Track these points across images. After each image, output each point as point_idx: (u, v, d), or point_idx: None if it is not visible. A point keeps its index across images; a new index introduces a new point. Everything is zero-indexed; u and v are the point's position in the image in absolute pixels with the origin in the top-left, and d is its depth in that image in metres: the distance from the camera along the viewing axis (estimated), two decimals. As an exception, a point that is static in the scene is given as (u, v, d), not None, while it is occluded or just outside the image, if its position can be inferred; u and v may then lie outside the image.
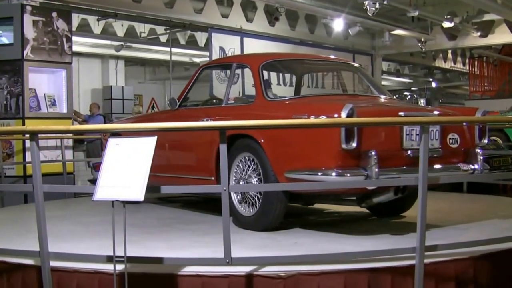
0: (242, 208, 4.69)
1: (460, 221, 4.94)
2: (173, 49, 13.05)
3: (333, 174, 3.93)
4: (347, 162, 3.99)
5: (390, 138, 4.24)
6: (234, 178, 4.73)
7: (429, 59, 18.75)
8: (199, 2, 11.03)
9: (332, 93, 6.43)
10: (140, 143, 3.13)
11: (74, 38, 9.08)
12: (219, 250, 3.43)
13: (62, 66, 8.21)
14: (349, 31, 12.57)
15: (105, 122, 11.97)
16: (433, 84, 23.26)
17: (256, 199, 4.54)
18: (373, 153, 3.95)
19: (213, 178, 4.94)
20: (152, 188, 3.22)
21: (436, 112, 4.59)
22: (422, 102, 20.61)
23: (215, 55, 10.70)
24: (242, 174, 4.69)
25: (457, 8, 13.16)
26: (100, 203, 3.47)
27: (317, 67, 6.75)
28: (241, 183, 4.67)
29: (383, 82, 17.59)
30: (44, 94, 8.19)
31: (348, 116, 3.92)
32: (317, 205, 5.56)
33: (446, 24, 12.73)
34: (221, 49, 10.95)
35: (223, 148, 3.30)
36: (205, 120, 5.00)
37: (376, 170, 3.92)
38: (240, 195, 4.71)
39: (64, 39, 8.16)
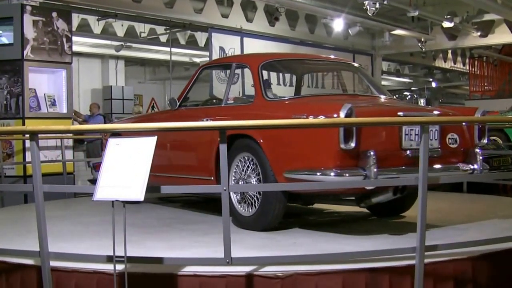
0: (242, 208, 4.69)
1: (460, 221, 4.94)
2: (173, 49, 13.06)
3: (332, 174, 3.93)
4: (345, 162, 3.99)
5: (389, 138, 4.24)
6: (233, 178, 4.73)
7: (429, 59, 18.75)
8: (199, 2, 11.03)
9: (332, 93, 6.43)
10: (140, 143, 3.13)
11: (74, 38, 9.08)
12: (219, 250, 3.43)
13: (62, 66, 8.21)
14: (349, 31, 12.57)
15: (105, 122, 11.97)
16: (433, 84, 23.27)
17: (256, 199, 4.54)
18: (371, 153, 3.95)
19: (212, 178, 4.94)
20: (152, 188, 3.22)
21: (435, 112, 4.59)
22: (422, 102, 20.60)
23: (215, 55, 10.71)
24: (242, 174, 4.69)
25: (457, 8, 13.16)
26: (100, 203, 3.47)
27: (317, 67, 6.75)
28: (240, 183, 4.67)
29: (383, 82, 17.59)
30: (44, 94, 8.19)
31: (346, 116, 3.92)
32: (317, 205, 5.56)
33: (446, 24, 12.73)
34: (221, 49, 10.95)
35: (223, 148, 3.30)
36: (204, 120, 5.00)
37: (375, 170, 3.92)
38: (239, 195, 4.71)
39: (64, 39, 8.16)
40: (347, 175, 3.93)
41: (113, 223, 2.97)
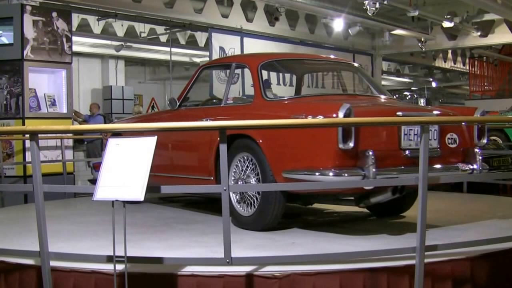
0: (241, 208, 4.69)
1: (459, 221, 4.94)
2: (173, 49, 13.05)
3: (330, 174, 3.93)
4: (344, 162, 3.99)
5: (388, 138, 4.24)
6: (232, 178, 4.73)
7: (429, 59, 18.75)
8: (199, 2, 11.03)
9: (331, 93, 6.43)
10: (140, 143, 3.13)
11: (74, 38, 9.09)
12: (217, 250, 3.43)
13: (62, 66, 8.22)
14: (349, 31, 12.57)
15: (105, 122, 11.98)
16: (433, 84, 23.25)
17: (255, 199, 4.54)
18: (370, 153, 3.95)
19: (212, 178, 4.95)
20: (152, 188, 3.22)
21: (435, 112, 4.59)
22: (422, 102, 20.61)
23: (215, 55, 10.71)
24: (241, 174, 4.70)
25: (457, 8, 13.16)
26: (100, 203, 3.47)
27: (317, 67, 6.75)
28: (239, 183, 4.67)
29: (383, 82, 17.58)
30: (44, 94, 8.20)
31: (345, 116, 3.92)
32: (317, 205, 5.56)
33: (446, 24, 12.74)
34: (221, 49, 10.96)
35: (223, 148, 3.29)
36: (204, 120, 5.00)
37: (374, 170, 3.92)
38: (238, 195, 4.72)
39: (64, 39, 8.16)
40: (345, 175, 3.92)
41: (113, 223, 2.97)
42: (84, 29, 12.79)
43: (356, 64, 6.29)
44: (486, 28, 14.14)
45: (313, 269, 3.28)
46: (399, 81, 21.87)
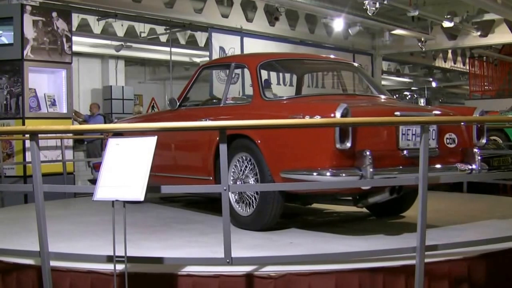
0: (240, 208, 4.69)
1: (459, 221, 4.94)
2: (173, 49, 13.06)
3: (328, 174, 3.93)
4: (341, 162, 3.99)
5: (386, 138, 4.24)
6: (231, 178, 4.73)
7: (429, 59, 18.75)
8: (199, 2, 11.03)
9: (330, 93, 6.42)
10: (140, 143, 3.13)
11: (74, 38, 9.09)
12: (215, 250, 3.44)
13: (62, 66, 8.22)
14: (349, 30, 12.57)
15: (105, 122, 11.98)
16: (433, 84, 23.26)
17: (253, 199, 4.55)
18: (367, 153, 3.95)
19: (211, 178, 4.95)
20: (152, 188, 3.23)
21: (435, 112, 4.59)
22: (422, 101, 20.62)
23: (215, 55, 10.71)
24: (240, 174, 4.70)
25: (457, 8, 13.16)
26: (100, 203, 3.47)
27: (316, 67, 6.75)
28: (238, 183, 4.67)
29: (383, 82, 17.58)
30: (44, 94, 8.20)
31: (342, 116, 3.92)
32: (317, 206, 5.57)
33: (446, 24, 12.74)
34: (221, 49, 10.96)
35: (223, 148, 3.29)
36: (204, 120, 5.00)
37: (371, 170, 3.92)
38: (237, 195, 4.72)
39: (64, 39, 8.16)
40: (343, 175, 3.92)
41: (113, 223, 2.97)
42: (84, 29, 12.79)
43: (356, 64, 6.29)
44: (486, 28, 14.14)
45: (308, 269, 3.28)
46: (399, 81, 21.88)
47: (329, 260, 3.44)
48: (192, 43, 14.76)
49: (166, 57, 13.65)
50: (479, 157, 4.48)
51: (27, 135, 4.08)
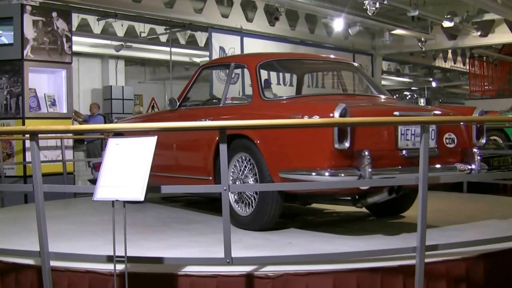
0: (239, 208, 4.69)
1: (459, 221, 4.94)
2: (173, 49, 13.06)
3: (326, 174, 3.93)
4: (340, 162, 3.99)
5: (384, 138, 4.24)
6: (231, 178, 4.73)
7: (429, 59, 18.75)
8: (199, 2, 11.03)
9: (330, 92, 6.42)
10: (140, 143, 3.13)
11: (74, 38, 9.09)
12: (215, 250, 3.43)
13: (62, 66, 8.22)
14: (349, 30, 12.57)
15: (105, 122, 11.98)
16: (433, 84, 23.26)
17: (253, 199, 4.55)
18: (366, 153, 3.95)
19: (211, 178, 4.95)
20: (152, 188, 3.23)
21: (436, 112, 4.59)
22: (422, 101, 20.61)
23: (215, 55, 10.71)
24: (239, 174, 4.70)
25: (457, 8, 13.16)
26: (100, 203, 3.47)
27: (316, 67, 6.75)
28: (237, 183, 4.67)
29: (383, 82, 17.58)
30: (44, 94, 8.20)
31: (341, 116, 3.92)
32: (317, 206, 5.57)
33: (446, 24, 12.74)
34: (221, 49, 10.96)
35: (223, 148, 3.29)
36: (203, 120, 5.00)
37: (369, 170, 3.92)
38: (237, 195, 4.72)
39: (64, 39, 8.16)
40: (341, 175, 3.92)
41: (113, 223, 2.97)
42: (84, 29, 12.79)
43: (356, 64, 6.29)
44: (486, 28, 14.14)
45: (306, 269, 3.28)
46: (399, 81, 21.88)
47: (328, 260, 3.44)
48: (192, 43, 14.77)
49: (166, 57, 13.65)
50: (478, 157, 4.48)
51: (27, 135, 4.08)
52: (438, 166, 4.36)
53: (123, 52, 14.47)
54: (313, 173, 3.99)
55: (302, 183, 4.11)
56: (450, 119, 4.53)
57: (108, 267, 3.30)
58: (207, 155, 4.94)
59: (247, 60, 5.40)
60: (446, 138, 4.49)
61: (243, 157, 4.65)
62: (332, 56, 7.73)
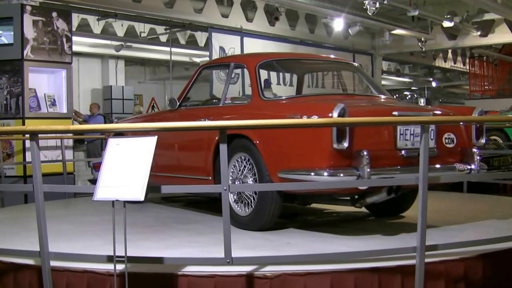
0: (238, 208, 4.69)
1: (459, 221, 4.94)
2: (173, 49, 13.06)
3: (325, 174, 3.93)
4: (339, 162, 3.99)
5: (383, 138, 4.24)
6: (230, 178, 4.73)
7: (429, 59, 18.75)
8: (199, 2, 11.03)
9: (329, 92, 6.42)
10: (140, 143, 3.13)
11: (74, 38, 9.09)
12: (214, 250, 3.43)
13: (62, 66, 8.22)
14: (349, 30, 12.57)
15: (105, 122, 11.98)
16: (433, 84, 23.26)
17: (252, 199, 4.55)
18: (365, 153, 3.95)
19: (210, 178, 4.95)
20: (152, 188, 3.23)
21: (436, 112, 4.58)
22: (422, 101, 20.61)
23: (215, 55, 10.71)
24: (238, 174, 4.70)
25: (457, 8, 13.16)
26: (100, 203, 3.47)
27: (316, 67, 6.75)
28: (236, 183, 4.67)
29: (383, 82, 17.58)
30: (44, 94, 8.20)
31: (339, 116, 3.92)
32: (317, 206, 5.57)
33: (446, 24, 12.74)
34: (221, 49, 10.96)
35: (223, 148, 3.29)
36: (203, 120, 5.00)
37: (368, 170, 3.92)
38: (236, 195, 4.72)
39: (64, 39, 8.17)
40: (340, 175, 3.92)
41: (113, 223, 2.97)
42: (84, 29, 12.79)
43: (355, 64, 6.29)
44: (486, 28, 14.13)
45: (304, 269, 3.28)
46: (399, 81, 21.88)
47: (326, 260, 3.44)
48: (192, 43, 14.77)
49: (166, 57, 13.65)
50: (478, 157, 4.47)
51: (27, 135, 4.08)
52: (437, 166, 4.36)
53: (123, 52, 14.47)
54: (312, 173, 3.99)
55: (300, 183, 4.11)
56: (450, 119, 4.53)
57: (107, 267, 3.31)
58: (207, 155, 4.94)
59: (247, 60, 5.40)
60: (446, 138, 4.49)
61: (242, 157, 4.65)
62: (332, 56, 7.74)
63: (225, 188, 3.28)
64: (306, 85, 6.79)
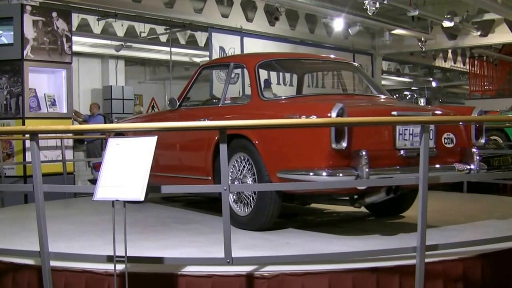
0: (238, 208, 4.70)
1: (459, 221, 4.94)
2: (173, 49, 13.06)
3: (324, 174, 3.93)
4: (337, 162, 3.99)
5: (382, 138, 4.24)
6: (230, 178, 4.73)
7: (429, 59, 18.75)
8: (199, 2, 11.03)
9: (329, 92, 6.41)
10: (140, 143, 3.14)
11: (74, 38, 9.09)
12: (214, 250, 3.42)
13: (62, 66, 8.22)
14: (349, 30, 12.57)
15: (105, 122, 11.98)
16: (433, 84, 23.26)
17: (251, 199, 4.55)
18: (364, 153, 3.95)
19: (210, 178, 4.95)
20: (152, 188, 3.23)
21: (436, 112, 4.58)
22: (422, 101, 20.62)
23: (215, 55, 10.71)
24: (238, 174, 4.70)
25: (457, 8, 13.16)
26: (100, 203, 3.48)
27: (316, 67, 6.75)
28: (236, 183, 4.68)
29: (383, 82, 17.58)
30: (44, 94, 8.20)
31: (338, 115, 3.92)
32: (317, 206, 5.57)
33: (446, 24, 12.74)
34: (221, 49, 10.96)
35: (223, 148, 3.30)
36: (203, 120, 5.00)
37: (367, 170, 3.92)
38: (235, 195, 4.72)
39: (64, 39, 8.17)
40: (339, 175, 3.92)
41: (113, 223, 2.97)
42: (84, 29, 12.79)
43: (355, 64, 6.29)
44: (486, 28, 14.13)
45: (302, 269, 3.28)
46: (399, 80, 21.88)
47: (325, 260, 3.44)
48: (192, 43, 14.77)
49: (166, 57, 13.66)
50: (477, 157, 4.47)
51: (27, 135, 4.08)
52: (437, 166, 4.36)
53: (123, 52, 14.47)
54: (311, 173, 3.99)
55: (299, 183, 4.12)
56: (449, 119, 4.53)
57: (106, 267, 3.31)
58: (207, 155, 4.94)
59: (246, 60, 5.40)
60: (445, 138, 4.49)
61: (242, 157, 4.65)
62: (332, 56, 7.74)
63: (225, 188, 3.28)
64: (306, 85, 6.79)
